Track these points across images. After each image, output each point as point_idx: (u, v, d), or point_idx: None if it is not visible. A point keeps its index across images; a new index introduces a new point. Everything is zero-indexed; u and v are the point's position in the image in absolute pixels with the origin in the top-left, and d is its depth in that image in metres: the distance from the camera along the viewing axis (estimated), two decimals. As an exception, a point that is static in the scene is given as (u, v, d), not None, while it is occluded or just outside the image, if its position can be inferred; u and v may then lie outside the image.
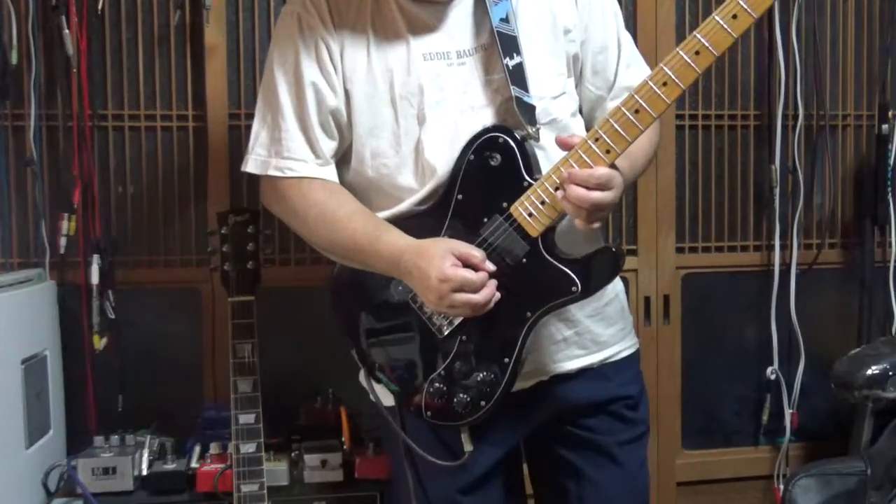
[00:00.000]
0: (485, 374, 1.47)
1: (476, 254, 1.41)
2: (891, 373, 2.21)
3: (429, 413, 1.51)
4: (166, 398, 2.28)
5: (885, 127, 2.59)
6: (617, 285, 1.65)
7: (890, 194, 2.60)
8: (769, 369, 2.61)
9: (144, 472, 2.00)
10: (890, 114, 2.60)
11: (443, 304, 1.41)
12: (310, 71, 1.51)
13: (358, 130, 1.54)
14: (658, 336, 2.53)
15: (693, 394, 2.58)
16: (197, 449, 2.07)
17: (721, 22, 1.33)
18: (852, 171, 2.70)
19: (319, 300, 2.36)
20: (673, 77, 1.35)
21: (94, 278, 2.17)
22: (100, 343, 2.18)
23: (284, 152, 1.54)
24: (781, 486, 2.56)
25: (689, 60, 1.34)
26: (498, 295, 1.42)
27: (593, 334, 1.59)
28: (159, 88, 2.29)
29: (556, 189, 1.40)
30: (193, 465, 2.02)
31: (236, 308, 1.85)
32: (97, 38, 2.23)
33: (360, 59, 1.52)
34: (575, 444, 1.62)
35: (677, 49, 1.36)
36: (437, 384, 1.50)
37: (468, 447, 1.52)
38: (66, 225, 2.18)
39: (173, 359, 2.31)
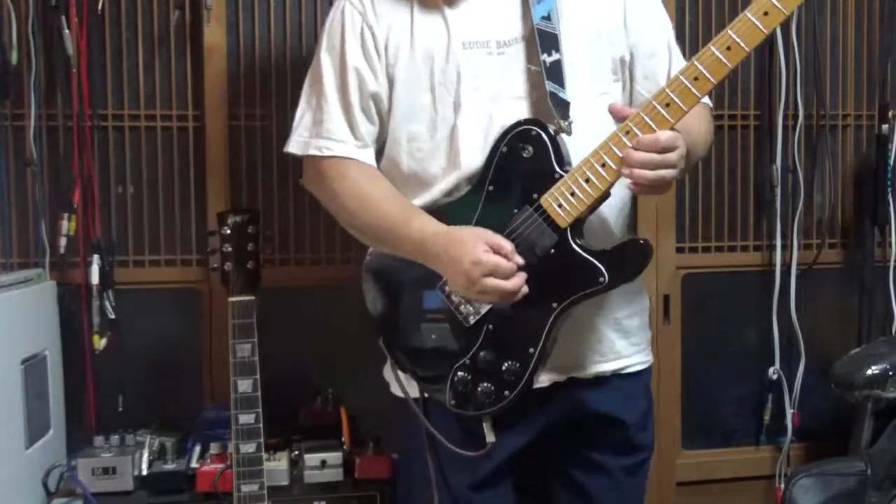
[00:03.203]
0: (509, 363, 1.49)
1: (506, 245, 1.43)
2: (891, 373, 2.21)
3: (453, 402, 1.53)
4: (166, 398, 2.28)
5: (885, 127, 2.59)
6: (643, 301, 1.69)
7: (890, 194, 2.60)
8: (771, 369, 2.61)
9: (144, 472, 2.00)
10: (890, 114, 2.60)
11: (472, 289, 1.43)
12: (354, 56, 1.56)
13: (396, 114, 1.57)
14: (658, 336, 2.52)
15: (693, 394, 2.58)
16: (197, 449, 2.07)
17: (753, 19, 1.36)
18: (852, 171, 2.70)
19: (319, 300, 2.38)
20: (704, 72, 1.38)
21: (94, 278, 2.17)
22: (100, 343, 2.18)
23: (325, 133, 1.58)
24: (782, 486, 2.56)
25: (720, 56, 1.37)
26: (526, 288, 1.44)
27: (611, 342, 1.61)
28: (159, 88, 2.30)
29: (587, 181, 1.43)
30: (193, 465, 2.02)
31: (236, 308, 1.85)
32: (97, 38, 2.23)
33: (404, 45, 1.55)
34: (584, 467, 1.65)
35: (709, 45, 1.38)
36: (461, 373, 1.51)
37: (490, 438, 1.53)
38: (66, 225, 2.18)
39: (173, 359, 2.31)
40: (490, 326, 1.50)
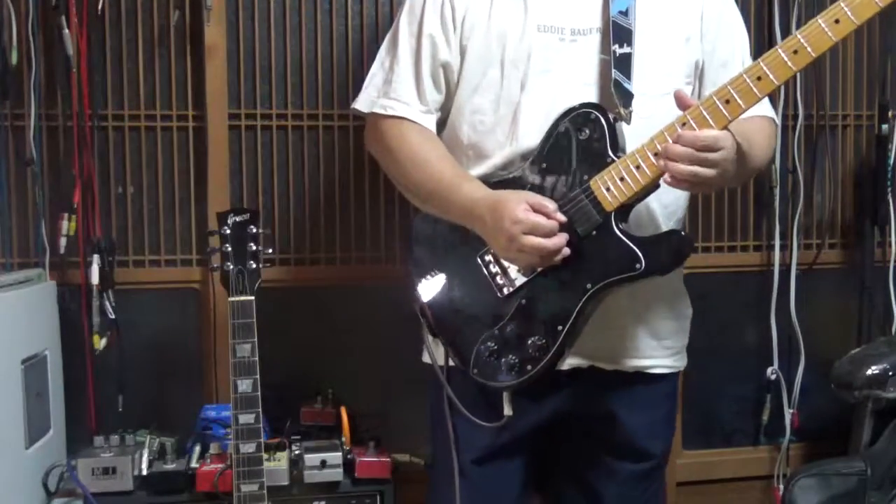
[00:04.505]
0: (536, 338, 1.51)
1: (548, 204, 1.46)
2: (891, 373, 2.21)
3: (475, 371, 1.55)
4: (166, 398, 2.28)
5: (885, 127, 2.59)
6: (683, 307, 1.73)
7: (890, 194, 2.60)
8: (769, 369, 2.61)
9: (144, 472, 2.00)
10: (890, 114, 2.60)
11: (513, 248, 1.45)
12: (431, 24, 1.61)
13: (464, 85, 1.61)
14: (658, 336, 2.52)
15: (693, 394, 2.58)
16: (197, 449, 2.07)
17: (823, 25, 1.36)
18: (852, 171, 2.70)
19: (319, 300, 2.38)
20: (768, 73, 1.39)
21: (94, 278, 2.17)
22: (100, 343, 2.18)
23: (392, 93, 1.63)
24: (781, 486, 2.56)
25: (786, 58, 1.38)
26: (567, 250, 1.46)
27: (639, 340, 1.63)
28: (159, 88, 2.29)
29: (637, 168, 1.44)
30: (193, 465, 2.02)
31: (236, 308, 1.85)
32: (97, 38, 2.23)
33: (480, 21, 1.59)
34: (594, 468, 1.68)
35: (776, 46, 1.39)
36: (489, 343, 1.54)
37: (508, 411, 1.54)
38: (66, 225, 2.18)
39: (173, 359, 2.31)
40: (523, 301, 1.53)
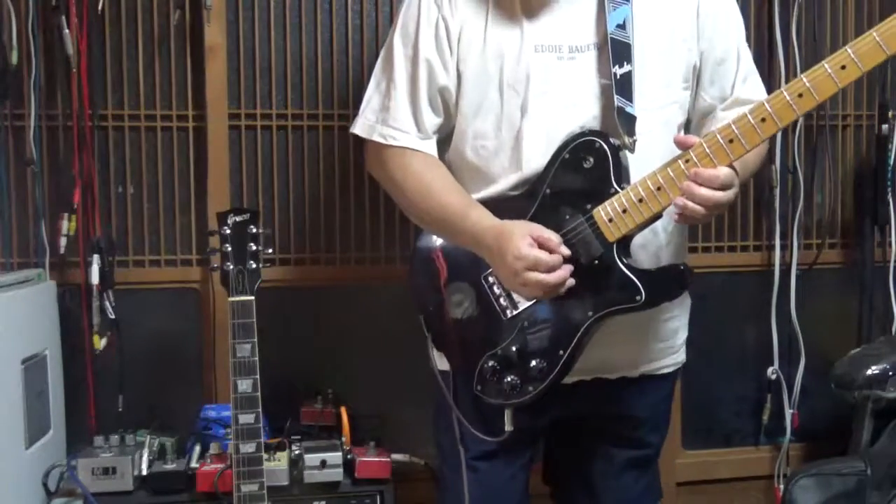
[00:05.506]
0: (537, 361, 1.52)
1: (553, 238, 1.45)
2: (891, 373, 2.21)
3: (479, 387, 1.56)
4: (166, 398, 2.28)
5: (885, 127, 2.59)
6: (685, 303, 1.72)
7: (890, 194, 2.60)
8: (770, 369, 2.61)
9: (144, 472, 2.00)
10: (890, 114, 2.60)
11: (516, 282, 1.46)
12: (426, 47, 1.58)
13: (464, 110, 1.59)
14: (658, 336, 2.52)
15: (693, 394, 2.58)
16: (197, 449, 2.07)
17: (829, 70, 1.36)
18: (852, 171, 2.70)
19: (319, 300, 2.38)
20: (773, 115, 1.38)
21: (94, 278, 2.17)
22: (100, 343, 2.18)
23: (390, 120, 1.61)
24: (781, 486, 2.56)
25: (790, 102, 1.38)
26: (572, 281, 1.46)
27: (643, 345, 1.63)
28: (159, 88, 2.29)
29: (640, 201, 1.44)
30: (193, 465, 2.02)
31: (236, 308, 1.85)
32: (97, 38, 2.23)
33: (476, 42, 1.57)
34: (592, 458, 1.70)
35: (782, 89, 1.39)
36: (491, 362, 1.55)
37: (509, 427, 1.56)
38: (66, 225, 2.18)
39: (173, 359, 2.31)
40: (525, 323, 1.53)
